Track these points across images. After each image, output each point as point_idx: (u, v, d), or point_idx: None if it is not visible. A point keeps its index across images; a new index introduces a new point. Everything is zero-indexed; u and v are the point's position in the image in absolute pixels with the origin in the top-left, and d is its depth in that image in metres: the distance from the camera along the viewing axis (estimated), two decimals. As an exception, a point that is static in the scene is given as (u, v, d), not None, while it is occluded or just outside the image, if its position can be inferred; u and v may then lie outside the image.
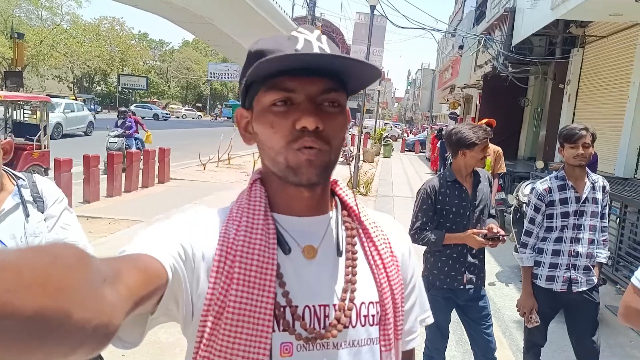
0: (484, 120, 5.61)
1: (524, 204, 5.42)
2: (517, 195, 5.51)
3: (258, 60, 0.64)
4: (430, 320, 0.91)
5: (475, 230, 2.36)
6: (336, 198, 0.80)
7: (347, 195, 0.80)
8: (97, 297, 0.40)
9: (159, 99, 57.64)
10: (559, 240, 2.51)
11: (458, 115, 22.71)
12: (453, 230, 2.42)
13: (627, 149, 7.17)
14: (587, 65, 9.35)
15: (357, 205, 0.80)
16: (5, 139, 1.50)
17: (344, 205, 0.80)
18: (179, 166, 12.16)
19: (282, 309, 0.68)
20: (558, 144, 2.51)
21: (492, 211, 2.58)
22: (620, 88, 7.74)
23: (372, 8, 10.19)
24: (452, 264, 2.45)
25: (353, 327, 0.71)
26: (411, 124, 73.73)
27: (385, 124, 26.17)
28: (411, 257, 0.85)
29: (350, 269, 0.73)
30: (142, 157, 9.38)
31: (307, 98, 0.67)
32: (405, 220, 8.67)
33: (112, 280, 0.44)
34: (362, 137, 12.45)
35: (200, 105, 62.06)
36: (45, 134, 8.66)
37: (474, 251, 2.45)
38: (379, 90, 24.46)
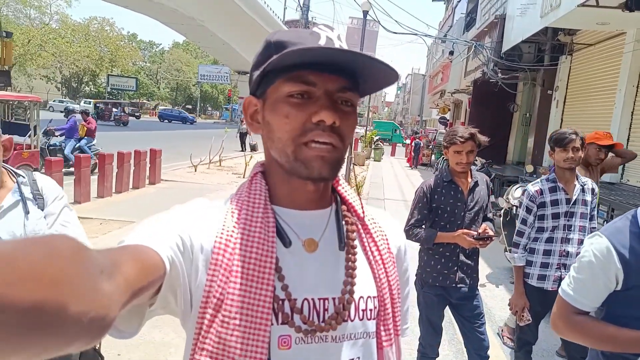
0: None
1: (515, 207, 5.52)
2: (507, 199, 5.61)
3: (278, 50, 0.65)
4: (408, 332, 0.90)
5: (465, 230, 2.42)
6: (335, 193, 0.80)
7: (346, 191, 0.81)
8: (94, 289, 0.40)
9: (148, 100, 57.24)
10: (550, 240, 2.58)
11: (448, 120, 22.92)
12: (447, 230, 2.47)
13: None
14: (575, 72, 9.54)
15: (355, 201, 0.80)
16: None
17: (343, 201, 0.80)
18: (170, 167, 12.11)
19: (281, 302, 0.68)
20: (548, 148, 2.59)
21: (490, 215, 2.64)
22: (607, 95, 7.91)
23: (365, 13, 10.29)
24: (445, 262, 2.51)
25: (352, 320, 0.72)
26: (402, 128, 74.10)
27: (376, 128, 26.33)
28: (406, 254, 0.87)
29: (350, 263, 0.74)
30: (93, 162, 8.77)
31: (325, 93, 0.68)
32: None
33: (109, 271, 0.44)
34: (353, 140, 12.53)
35: (190, 107, 61.74)
36: (35, 134, 8.59)
37: (467, 251, 2.51)
38: (369, 94, 24.55)
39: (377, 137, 23.02)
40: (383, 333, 0.75)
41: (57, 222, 1.49)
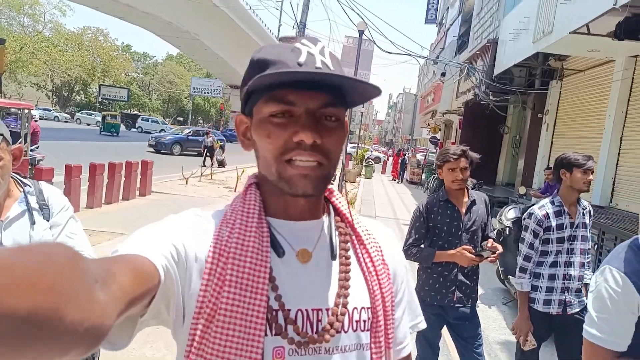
0: None
1: (508, 228, 5.56)
2: (500, 219, 5.65)
3: (260, 68, 0.67)
4: (423, 325, 0.90)
5: (465, 247, 2.42)
6: (329, 204, 0.80)
7: (340, 202, 0.81)
8: (89, 298, 0.40)
9: (139, 111, 57.05)
10: (554, 264, 2.57)
11: (438, 140, 23.16)
12: (445, 249, 2.47)
13: (603, 178, 7.45)
14: (565, 97, 9.74)
15: (349, 212, 0.80)
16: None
17: (337, 212, 0.80)
18: (161, 179, 12.02)
19: (274, 313, 0.67)
20: (560, 169, 2.53)
21: (491, 234, 2.65)
22: (597, 120, 8.08)
23: (361, 33, 10.44)
24: (443, 281, 2.51)
25: (345, 332, 0.71)
26: (391, 146, 74.66)
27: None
28: (402, 263, 0.85)
29: (343, 274, 0.73)
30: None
31: (306, 112, 0.67)
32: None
33: (104, 280, 0.44)
34: (345, 157, 12.60)
35: (181, 119, 61.66)
36: (25, 142, 8.48)
37: (466, 270, 2.51)
38: (361, 112, 24.79)
39: (368, 155, 23.15)
40: (373, 346, 0.74)
41: (63, 234, 1.47)
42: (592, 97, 8.50)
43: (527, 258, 2.60)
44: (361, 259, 0.77)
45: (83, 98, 53.40)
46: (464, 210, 2.52)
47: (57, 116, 38.99)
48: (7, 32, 36.82)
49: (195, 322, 0.65)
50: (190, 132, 23.58)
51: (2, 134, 1.37)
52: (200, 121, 62.97)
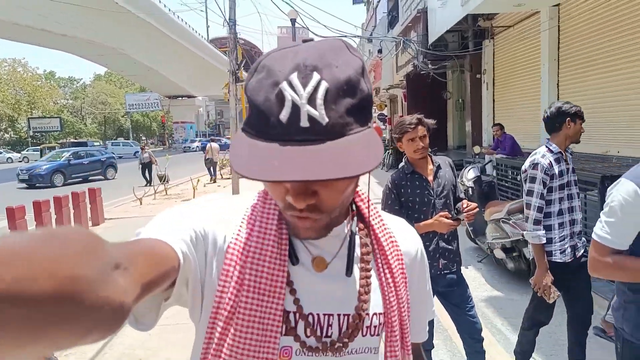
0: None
1: (470, 188, 5.67)
2: (462, 181, 5.76)
3: (250, 107, 0.60)
4: (432, 316, 0.94)
5: (441, 214, 2.40)
6: (354, 207, 0.77)
7: (365, 204, 0.78)
8: (109, 281, 0.40)
9: (75, 139, 54.33)
10: (560, 213, 2.58)
11: (386, 116, 23.53)
12: (421, 220, 2.44)
13: (547, 125, 7.77)
14: (499, 54, 10.07)
15: (374, 216, 0.78)
16: None
17: (361, 215, 0.77)
18: (112, 204, 11.47)
19: (288, 315, 0.69)
20: (565, 118, 2.52)
21: (462, 195, 2.64)
22: (532, 71, 8.40)
23: (293, 21, 10.32)
24: (426, 252, 2.47)
25: (355, 337, 0.72)
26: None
27: None
28: (422, 259, 0.86)
29: (364, 287, 0.73)
30: None
31: None
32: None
33: (123, 264, 0.44)
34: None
35: (122, 139, 59.31)
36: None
37: (446, 236, 2.49)
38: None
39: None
40: (388, 353, 0.76)
41: None
42: (524, 50, 8.82)
43: (539, 209, 2.55)
44: (380, 270, 0.76)
45: (12, 135, 50.18)
46: (431, 177, 2.50)
47: (9, 157, 36.55)
48: None
49: (212, 322, 0.67)
50: (71, 154, 19.00)
51: None
52: (143, 138, 60.79)
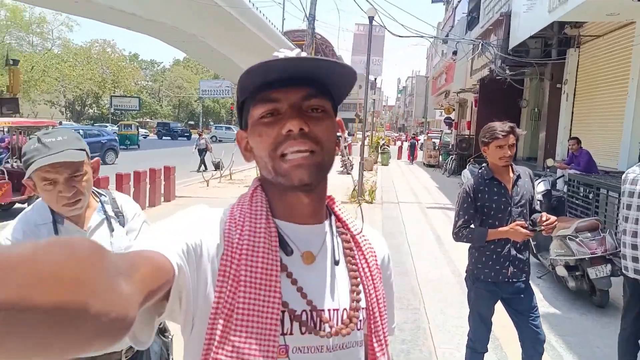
0: None
1: (539, 202, 5.50)
2: (530, 194, 5.59)
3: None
4: (394, 331, 0.94)
5: (518, 222, 2.41)
6: (329, 210, 0.83)
7: (341, 210, 0.84)
8: (113, 290, 0.41)
9: (151, 119, 57.69)
10: (634, 222, 2.59)
11: (453, 120, 22.92)
12: (496, 227, 2.47)
13: (630, 143, 7.30)
14: (584, 64, 9.53)
15: (349, 218, 0.84)
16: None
17: (337, 218, 0.83)
18: (182, 184, 12.16)
19: (282, 313, 0.69)
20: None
21: (537, 207, 2.63)
22: (619, 84, 7.89)
23: (371, 19, 10.34)
24: (496, 258, 2.51)
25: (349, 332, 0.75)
26: (404, 131, 74.12)
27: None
28: (389, 262, 0.91)
29: (354, 279, 0.77)
30: None
31: (290, 105, 0.70)
32: (414, 226, 8.56)
33: (126, 273, 0.45)
34: (362, 145, 12.54)
35: (192, 122, 62.14)
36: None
37: (518, 245, 2.50)
38: (374, 99, 24.64)
39: (383, 141, 23.04)
40: (376, 345, 0.78)
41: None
42: (612, 62, 8.30)
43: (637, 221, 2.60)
44: (359, 264, 0.80)
45: (96, 111, 54.15)
46: (510, 186, 2.51)
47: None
48: (17, 52, 37.44)
49: (212, 322, 0.67)
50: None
51: (84, 149, 1.42)
52: (211, 123, 63.33)
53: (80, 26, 73.98)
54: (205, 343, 0.67)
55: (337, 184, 13.85)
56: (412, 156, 24.05)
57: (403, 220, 8.76)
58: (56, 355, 0.36)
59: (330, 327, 0.72)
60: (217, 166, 14.40)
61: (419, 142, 24.69)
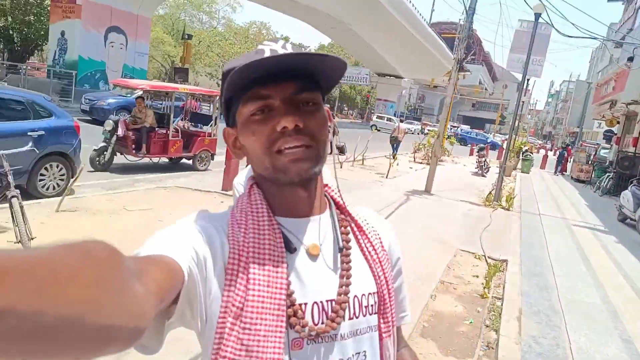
0: None
1: None
2: None
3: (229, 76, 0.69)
4: (408, 319, 0.92)
5: None
6: (328, 198, 0.83)
7: (339, 196, 0.84)
8: (128, 292, 0.41)
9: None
10: None
11: (615, 134, 20.28)
12: None
13: None
14: None
15: (348, 204, 0.83)
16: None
17: (337, 205, 0.83)
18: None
19: (292, 307, 0.69)
20: None
21: None
22: None
23: (537, 16, 9.61)
24: None
25: (357, 317, 0.75)
26: (550, 139, 67.45)
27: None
28: (397, 245, 0.88)
29: (345, 264, 0.76)
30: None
31: (282, 101, 0.69)
32: (557, 241, 7.99)
33: (140, 275, 0.46)
34: (505, 148, 11.81)
35: (328, 105, 64.06)
36: (215, 124, 9.82)
37: None
38: (522, 102, 22.89)
39: (526, 147, 21.35)
40: (383, 326, 0.78)
41: None
42: None
43: None
44: (364, 248, 0.80)
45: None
46: None
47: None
48: (189, 28, 42.45)
49: (222, 321, 0.67)
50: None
51: None
52: (346, 109, 64.78)
53: (242, 8, 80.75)
54: (215, 342, 0.67)
55: (469, 184, 13.33)
56: (559, 167, 22.36)
57: (544, 233, 8.15)
58: (70, 358, 0.36)
59: (330, 315, 0.72)
60: (341, 150, 14.69)
61: (571, 154, 22.33)
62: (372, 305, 0.77)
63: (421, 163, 17.58)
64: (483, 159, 16.34)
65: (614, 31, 21.10)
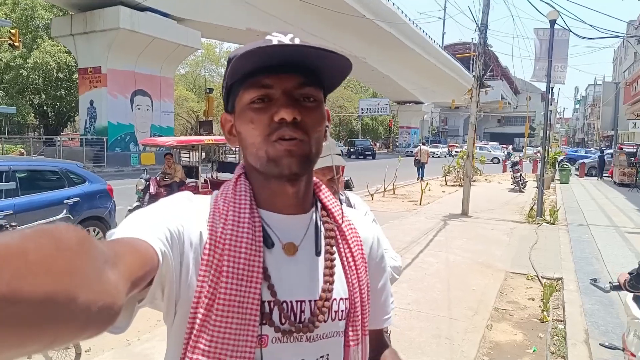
0: None
1: None
2: None
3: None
4: (391, 321, 0.90)
5: None
6: (316, 198, 0.81)
7: (327, 196, 0.82)
8: (101, 278, 0.41)
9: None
10: None
11: None
12: None
13: None
14: None
15: (335, 206, 0.81)
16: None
17: (324, 206, 0.81)
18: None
19: (263, 303, 0.69)
20: None
21: None
22: None
23: (552, 23, 9.46)
24: None
25: (325, 321, 0.73)
26: (583, 145, 65.52)
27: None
28: (379, 248, 0.87)
29: (328, 269, 0.75)
30: None
31: (283, 92, 0.69)
32: (614, 252, 7.52)
33: (113, 261, 0.45)
34: (541, 160, 11.41)
35: (351, 140, 64.74)
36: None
37: None
38: (550, 111, 22.37)
39: (561, 157, 20.66)
40: (351, 333, 0.77)
41: None
42: None
43: None
44: (343, 253, 0.79)
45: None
46: None
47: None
48: (210, 82, 44.10)
49: (194, 311, 0.67)
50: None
51: (341, 154, 1.59)
52: (369, 139, 65.16)
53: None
54: (187, 332, 0.67)
55: (507, 202, 12.86)
56: (601, 172, 21.76)
57: (597, 244, 7.67)
58: (46, 345, 0.37)
59: (309, 317, 0.72)
60: (348, 185, 14.32)
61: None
62: (342, 311, 0.77)
63: (453, 185, 17.22)
64: (518, 174, 15.84)
65: (634, 27, 20.61)
